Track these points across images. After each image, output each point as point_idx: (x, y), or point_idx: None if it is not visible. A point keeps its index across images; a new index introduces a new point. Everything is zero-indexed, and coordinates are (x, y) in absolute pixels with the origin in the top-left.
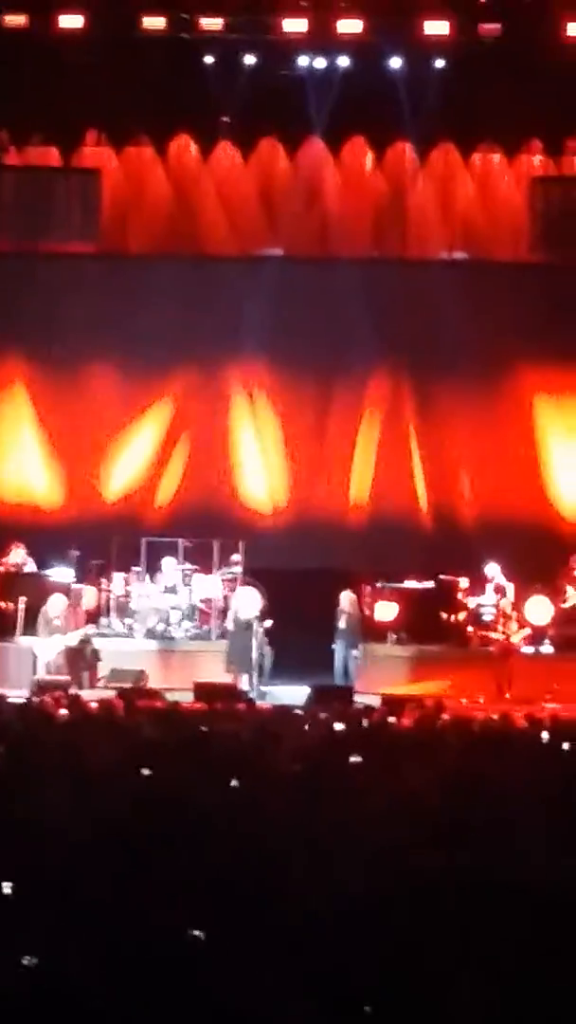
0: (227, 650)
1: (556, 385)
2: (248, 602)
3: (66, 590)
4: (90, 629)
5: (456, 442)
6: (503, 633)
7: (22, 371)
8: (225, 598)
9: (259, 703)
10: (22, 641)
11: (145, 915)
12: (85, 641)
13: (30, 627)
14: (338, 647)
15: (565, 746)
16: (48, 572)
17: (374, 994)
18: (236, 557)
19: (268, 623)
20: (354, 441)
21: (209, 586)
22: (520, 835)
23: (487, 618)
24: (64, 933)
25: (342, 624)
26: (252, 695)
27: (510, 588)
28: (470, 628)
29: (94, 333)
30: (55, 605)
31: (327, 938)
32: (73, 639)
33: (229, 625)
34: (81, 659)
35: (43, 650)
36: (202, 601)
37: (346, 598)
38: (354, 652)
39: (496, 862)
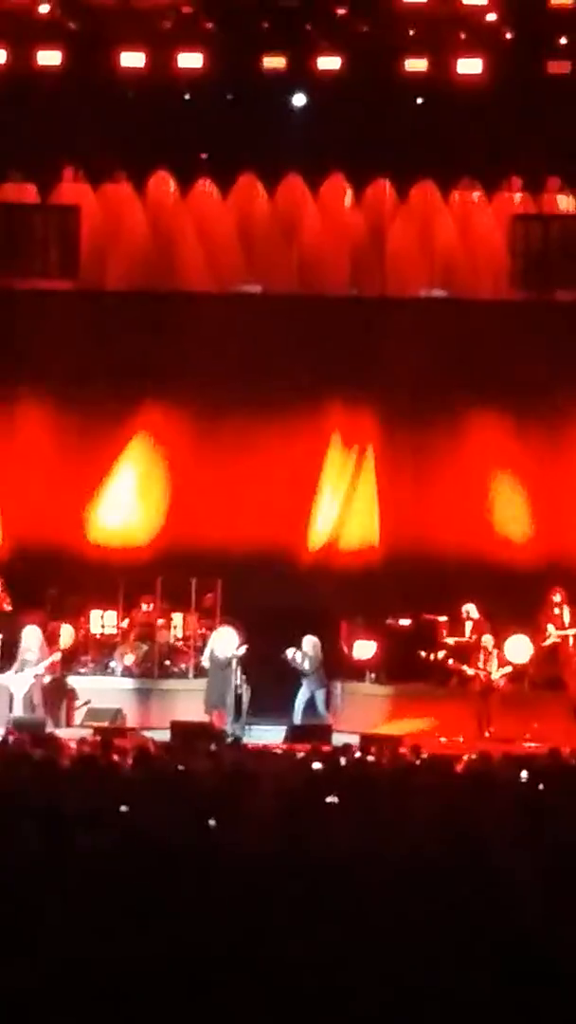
0: (207, 689)
1: (533, 422)
2: (226, 641)
3: (43, 628)
4: (54, 657)
5: (434, 479)
6: (483, 671)
7: None
8: (202, 636)
9: (236, 742)
10: None
11: (122, 955)
12: (59, 677)
13: (6, 663)
14: (303, 688)
15: (541, 786)
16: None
17: None
18: (210, 595)
19: (243, 650)
20: (332, 479)
21: (186, 624)
22: (501, 877)
23: (467, 656)
24: (37, 972)
25: (307, 666)
26: (230, 734)
27: (488, 626)
28: (450, 665)
29: (68, 369)
30: (27, 637)
31: (307, 980)
32: (40, 669)
33: (205, 663)
34: (57, 695)
35: (16, 684)
36: (180, 640)
37: (308, 642)
38: (331, 691)
39: (477, 905)
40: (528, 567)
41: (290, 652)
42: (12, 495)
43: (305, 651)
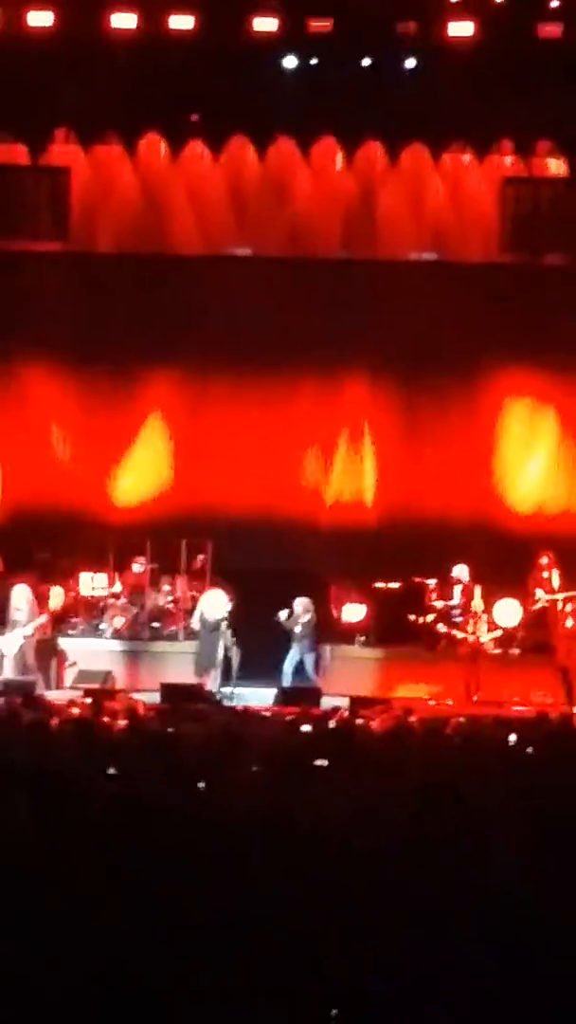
0: (197, 651)
1: (525, 386)
2: (215, 603)
3: (34, 589)
4: (41, 619)
5: (425, 443)
6: (472, 635)
7: None
8: (192, 599)
9: (226, 704)
10: None
11: (113, 918)
12: (48, 639)
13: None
14: (293, 649)
15: (530, 750)
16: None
17: (343, 1002)
18: (201, 557)
19: (229, 609)
20: (322, 442)
21: (176, 586)
22: (491, 840)
23: (455, 620)
24: (32, 940)
25: (298, 629)
26: (219, 696)
27: (478, 590)
28: (439, 629)
29: (61, 331)
30: (16, 596)
31: (296, 942)
32: (29, 630)
33: (195, 625)
34: (47, 656)
35: (5, 645)
36: (170, 602)
37: (300, 603)
38: (320, 654)
39: (467, 870)
40: (518, 531)
41: (282, 614)
42: (3, 457)
43: (297, 613)
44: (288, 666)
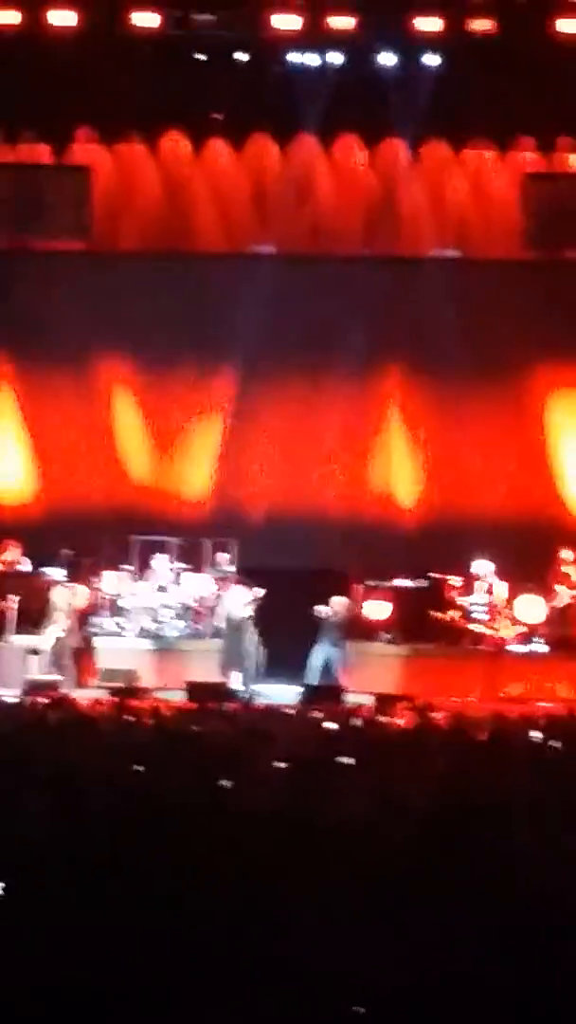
0: (221, 649)
1: (549, 381)
2: (239, 601)
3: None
4: (64, 623)
5: (448, 439)
6: (495, 631)
7: (9, 369)
8: (216, 597)
9: (251, 702)
10: (15, 640)
11: (133, 919)
12: (75, 638)
13: (23, 626)
14: (320, 646)
15: (556, 744)
16: (42, 571)
17: (365, 1001)
18: (223, 556)
19: (254, 607)
20: (346, 440)
21: (201, 585)
22: (516, 839)
23: (479, 616)
24: (53, 939)
25: (330, 625)
26: (244, 694)
27: (502, 586)
28: (462, 625)
29: (84, 330)
30: (58, 597)
31: (317, 943)
32: (61, 631)
33: (219, 624)
34: (77, 655)
35: (41, 643)
36: (195, 600)
37: (338, 602)
38: (346, 651)
39: (491, 867)
40: (541, 527)
41: (324, 609)
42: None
43: (336, 610)
44: (315, 663)
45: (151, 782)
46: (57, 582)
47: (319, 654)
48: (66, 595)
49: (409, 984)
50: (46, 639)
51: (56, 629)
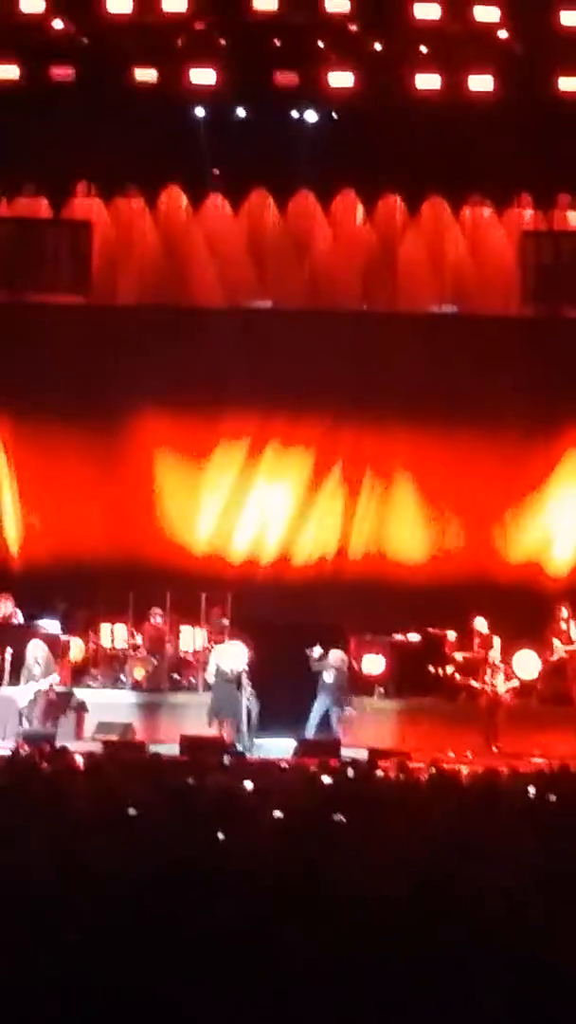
0: (210, 703)
1: (541, 438)
2: (233, 655)
3: (54, 641)
4: (53, 678)
5: (444, 495)
6: (490, 686)
7: (6, 422)
8: (209, 651)
9: (245, 756)
10: (7, 691)
11: (128, 968)
12: (68, 692)
13: (15, 678)
14: (319, 701)
15: (551, 797)
16: (36, 623)
17: None
18: (217, 610)
19: (245, 663)
20: (343, 494)
21: (194, 638)
22: (510, 893)
23: (474, 671)
24: (44, 985)
25: (329, 680)
26: (238, 748)
27: (497, 641)
28: (458, 680)
29: (83, 384)
30: (31, 651)
31: (316, 994)
32: (44, 685)
33: (209, 678)
34: (60, 708)
35: (19, 697)
36: (188, 654)
37: (336, 655)
38: (348, 709)
39: (487, 923)
40: (536, 582)
41: (315, 651)
42: (23, 508)
43: (332, 664)
44: (314, 718)
45: (146, 834)
46: (38, 635)
47: (317, 709)
48: (43, 649)
49: None
50: (24, 692)
51: (34, 683)
